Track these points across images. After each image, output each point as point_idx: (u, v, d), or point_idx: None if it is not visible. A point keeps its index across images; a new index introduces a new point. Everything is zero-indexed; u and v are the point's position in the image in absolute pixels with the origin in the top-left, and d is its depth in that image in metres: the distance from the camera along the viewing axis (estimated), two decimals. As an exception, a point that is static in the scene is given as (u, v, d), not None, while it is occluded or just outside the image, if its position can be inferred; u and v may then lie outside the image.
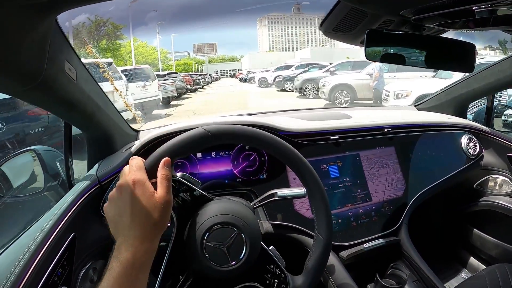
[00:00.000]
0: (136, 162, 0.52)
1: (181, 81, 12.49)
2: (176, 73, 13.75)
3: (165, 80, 10.49)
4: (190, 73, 19.75)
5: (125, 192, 0.48)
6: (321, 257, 0.62)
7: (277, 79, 12.98)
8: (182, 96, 11.99)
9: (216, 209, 0.61)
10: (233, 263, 0.58)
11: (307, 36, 76.14)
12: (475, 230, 1.28)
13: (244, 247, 0.58)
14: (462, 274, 1.34)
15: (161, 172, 0.52)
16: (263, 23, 77.80)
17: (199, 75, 19.84)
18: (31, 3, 0.45)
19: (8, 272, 0.55)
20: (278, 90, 12.48)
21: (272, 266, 0.63)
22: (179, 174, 0.61)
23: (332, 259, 0.86)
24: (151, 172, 0.52)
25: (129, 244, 0.46)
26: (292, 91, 11.35)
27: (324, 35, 0.85)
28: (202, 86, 17.36)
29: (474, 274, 1.19)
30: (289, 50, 72.54)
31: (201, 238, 0.57)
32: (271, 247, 0.65)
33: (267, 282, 0.63)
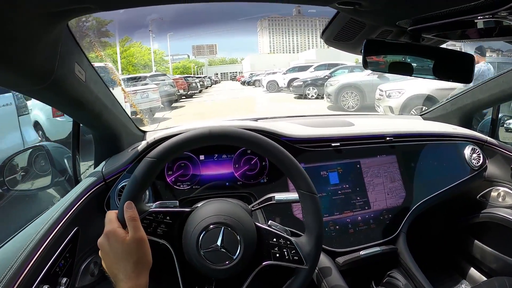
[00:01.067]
0: (108, 216, 0.60)
1: (171, 85, 9.73)
2: (164, 75, 11.09)
3: (144, 85, 7.22)
4: (185, 75, 16.91)
5: (104, 245, 0.56)
6: (316, 211, 0.63)
7: (294, 83, 10.27)
8: (173, 105, 9.52)
9: (211, 209, 0.63)
10: (227, 262, 0.59)
11: (309, 38, 75.51)
12: (476, 241, 1.27)
13: (239, 246, 0.60)
14: (462, 285, 1.32)
15: (126, 215, 0.58)
16: (263, 26, 77.45)
17: (196, 77, 17.21)
18: (46, 11, 0.49)
19: (12, 259, 0.58)
20: (295, 97, 10.04)
21: (275, 240, 0.64)
22: (151, 205, 0.65)
23: (328, 263, 0.87)
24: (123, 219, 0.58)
25: (118, 281, 0.54)
26: (316, 98, 9.03)
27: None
28: (200, 91, 15.05)
29: (473, 286, 1.19)
30: (290, 52, 71.87)
31: (197, 238, 0.60)
32: (269, 222, 0.67)
33: (278, 255, 0.63)
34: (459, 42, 0.78)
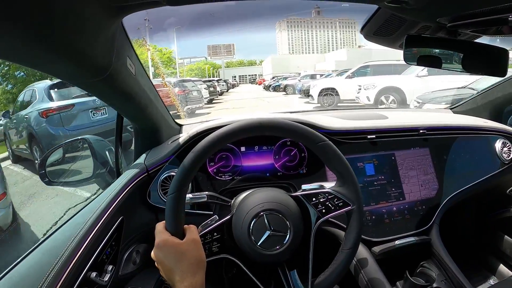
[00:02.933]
0: (157, 227, 0.61)
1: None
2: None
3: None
4: (183, 78, 12.11)
5: (158, 255, 0.58)
6: (335, 154, 0.66)
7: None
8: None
9: (261, 197, 0.66)
10: (277, 247, 0.62)
11: (336, 38, 74.18)
12: (506, 237, 1.26)
13: (288, 232, 0.63)
14: (490, 280, 1.32)
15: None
16: (282, 27, 76.33)
17: (207, 81, 13.03)
18: (114, 5, 0.52)
19: (63, 247, 0.60)
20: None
21: (314, 199, 0.68)
22: (200, 229, 0.67)
23: (365, 253, 0.89)
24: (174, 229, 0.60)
25: (175, 286, 0.55)
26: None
27: (364, 39, 0.88)
28: (211, 100, 11.55)
29: (502, 280, 1.18)
30: (309, 53, 70.55)
31: (248, 224, 0.63)
32: (302, 186, 0.70)
33: (324, 211, 0.67)
34: (494, 37, 0.79)
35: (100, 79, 0.65)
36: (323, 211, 0.67)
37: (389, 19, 0.74)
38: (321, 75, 13.33)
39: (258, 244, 0.62)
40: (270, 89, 17.73)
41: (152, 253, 0.59)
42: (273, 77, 22.76)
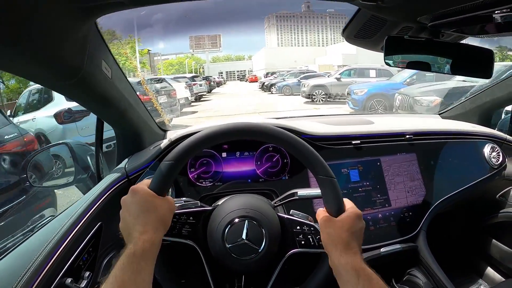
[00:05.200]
0: (143, 180, 0.62)
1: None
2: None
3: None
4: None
5: (127, 200, 0.56)
6: (336, 194, 0.59)
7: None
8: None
9: (234, 204, 0.65)
10: (253, 255, 0.61)
11: (319, 34, 73.81)
12: (494, 241, 1.25)
13: (264, 238, 0.61)
14: (481, 286, 1.31)
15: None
16: (271, 22, 75.21)
17: (157, 80, 8.08)
18: (78, 6, 0.51)
19: (37, 252, 0.58)
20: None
21: (298, 228, 0.65)
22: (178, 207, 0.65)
23: None
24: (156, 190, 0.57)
25: (132, 237, 0.52)
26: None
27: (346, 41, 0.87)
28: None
29: (491, 287, 1.17)
30: (302, 46, 69.18)
31: (222, 233, 0.61)
32: (291, 211, 0.67)
33: (303, 242, 0.64)
34: (478, 37, 0.78)
35: (71, 82, 0.64)
36: (302, 242, 0.65)
37: (369, 20, 0.74)
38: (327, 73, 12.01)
39: (229, 247, 0.61)
40: (269, 89, 13.47)
41: (123, 197, 0.57)
42: (268, 73, 18.90)
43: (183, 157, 0.58)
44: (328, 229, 0.57)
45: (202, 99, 12.39)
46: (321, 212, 0.60)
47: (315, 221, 0.64)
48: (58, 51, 0.55)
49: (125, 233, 0.54)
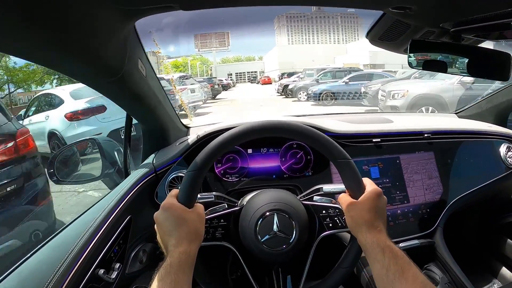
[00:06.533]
0: (171, 192, 0.62)
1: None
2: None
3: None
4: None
5: (159, 217, 0.57)
6: (354, 174, 0.62)
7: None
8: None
9: (262, 199, 0.67)
10: (284, 245, 0.63)
11: (330, 34, 72.67)
12: (509, 241, 1.27)
13: (294, 228, 0.63)
14: (494, 284, 1.32)
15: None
16: (281, 23, 73.98)
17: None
18: (126, 8, 0.54)
19: (72, 244, 0.61)
20: None
21: (324, 212, 0.68)
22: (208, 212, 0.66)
23: None
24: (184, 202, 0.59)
25: (168, 250, 0.54)
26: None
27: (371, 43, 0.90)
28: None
29: (506, 284, 1.18)
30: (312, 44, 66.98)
31: (254, 228, 0.63)
32: (314, 197, 0.69)
33: (331, 225, 0.67)
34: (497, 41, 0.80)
35: (113, 80, 0.68)
36: (330, 225, 0.67)
37: (394, 24, 0.76)
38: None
39: (262, 240, 0.63)
40: (303, 94, 9.91)
41: (155, 214, 0.58)
42: (286, 74, 16.19)
43: (206, 165, 0.60)
44: (351, 213, 0.59)
45: (196, 111, 8.37)
46: (343, 197, 0.63)
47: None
48: (103, 51, 0.58)
49: (162, 244, 0.57)
